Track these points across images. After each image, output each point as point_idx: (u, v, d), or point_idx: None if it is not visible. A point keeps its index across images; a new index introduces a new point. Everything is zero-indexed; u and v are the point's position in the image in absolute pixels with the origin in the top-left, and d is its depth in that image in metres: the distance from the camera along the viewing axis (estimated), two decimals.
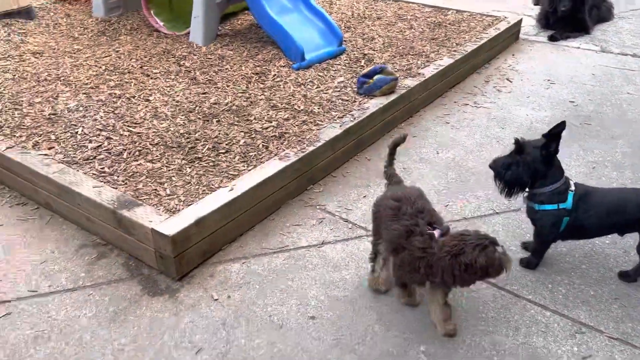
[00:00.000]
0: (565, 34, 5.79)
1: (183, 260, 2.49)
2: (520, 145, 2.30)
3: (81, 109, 3.62)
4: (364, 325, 2.28)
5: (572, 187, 2.35)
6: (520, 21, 5.70)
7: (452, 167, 3.46)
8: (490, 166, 2.41)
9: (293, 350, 2.17)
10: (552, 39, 5.74)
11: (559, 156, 2.33)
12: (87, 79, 4.07)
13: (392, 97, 3.83)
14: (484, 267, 1.90)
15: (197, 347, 2.18)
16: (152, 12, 5.11)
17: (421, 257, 2.01)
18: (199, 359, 2.13)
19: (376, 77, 3.87)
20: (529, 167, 2.30)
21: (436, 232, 2.05)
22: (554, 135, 2.25)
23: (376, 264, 2.40)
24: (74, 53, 4.59)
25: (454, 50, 4.73)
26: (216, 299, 2.41)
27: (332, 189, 3.23)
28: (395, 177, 2.41)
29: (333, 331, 2.26)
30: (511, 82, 4.76)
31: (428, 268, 2.00)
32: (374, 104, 3.71)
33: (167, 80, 4.11)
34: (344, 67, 4.41)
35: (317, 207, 3.06)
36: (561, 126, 2.23)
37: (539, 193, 2.35)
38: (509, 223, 2.92)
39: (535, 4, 6.86)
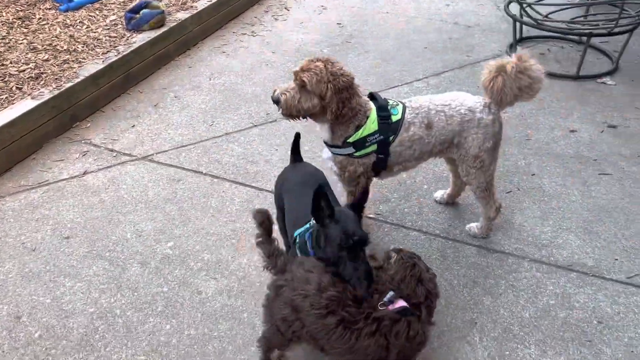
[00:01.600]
0: None
1: None
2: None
3: None
4: (117, 236, 2.50)
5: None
6: None
7: (222, 91, 3.71)
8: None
9: (45, 267, 2.32)
10: None
11: None
12: None
13: (162, 30, 3.93)
14: (430, 275, 1.77)
15: None
16: None
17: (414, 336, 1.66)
18: None
19: (142, 11, 3.93)
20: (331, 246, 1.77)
21: (389, 300, 1.69)
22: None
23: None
24: None
25: None
26: None
27: (100, 123, 3.32)
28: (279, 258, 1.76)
29: (87, 245, 2.44)
30: (289, 10, 5.09)
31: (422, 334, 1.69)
32: (142, 39, 3.79)
33: None
34: (118, 6, 4.37)
35: (83, 141, 3.15)
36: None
37: None
38: (265, 133, 3.27)
39: None
